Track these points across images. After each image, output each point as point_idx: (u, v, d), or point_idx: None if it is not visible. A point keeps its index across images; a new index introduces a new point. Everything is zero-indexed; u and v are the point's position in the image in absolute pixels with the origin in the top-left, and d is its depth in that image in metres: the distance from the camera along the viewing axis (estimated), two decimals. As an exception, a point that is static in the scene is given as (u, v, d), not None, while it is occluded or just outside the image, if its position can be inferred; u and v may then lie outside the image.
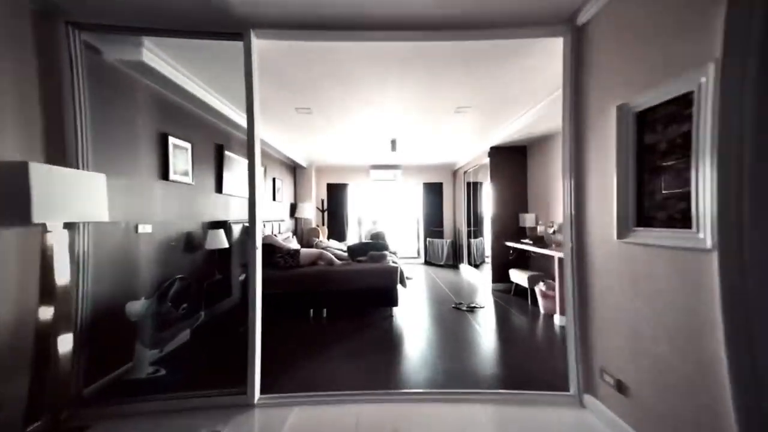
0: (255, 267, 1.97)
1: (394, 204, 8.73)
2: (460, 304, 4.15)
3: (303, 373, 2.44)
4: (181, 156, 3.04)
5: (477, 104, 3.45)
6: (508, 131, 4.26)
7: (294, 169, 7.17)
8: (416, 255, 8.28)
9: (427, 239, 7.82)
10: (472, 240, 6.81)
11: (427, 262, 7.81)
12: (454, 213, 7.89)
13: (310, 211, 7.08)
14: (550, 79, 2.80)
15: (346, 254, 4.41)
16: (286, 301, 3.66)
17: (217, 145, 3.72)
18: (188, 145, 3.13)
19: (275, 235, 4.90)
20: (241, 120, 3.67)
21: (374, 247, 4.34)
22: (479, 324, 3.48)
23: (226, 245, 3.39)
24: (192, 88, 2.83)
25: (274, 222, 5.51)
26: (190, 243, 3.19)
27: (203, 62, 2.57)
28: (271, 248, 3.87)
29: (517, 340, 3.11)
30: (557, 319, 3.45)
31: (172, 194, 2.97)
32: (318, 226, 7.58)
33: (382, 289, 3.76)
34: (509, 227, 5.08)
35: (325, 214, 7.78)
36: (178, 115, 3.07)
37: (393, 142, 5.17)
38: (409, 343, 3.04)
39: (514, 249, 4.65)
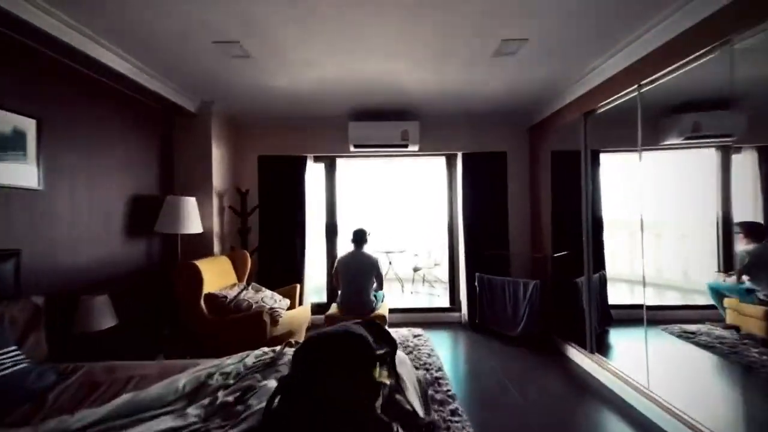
0: None
1: (403, 200, 4.51)
2: None
3: None
4: None
5: None
6: None
7: (166, 117, 2.97)
8: (449, 305, 4.02)
9: (477, 276, 3.55)
10: (591, 278, 2.64)
11: (474, 327, 3.54)
12: (537, 217, 3.62)
13: (203, 219, 2.85)
14: None
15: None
16: None
17: None
18: None
19: None
20: None
21: None
22: None
23: None
24: None
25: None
26: None
27: None
28: None
29: None
30: None
31: None
32: (234, 249, 3.37)
33: None
34: None
35: (249, 222, 3.57)
36: None
37: None
38: None
39: None
